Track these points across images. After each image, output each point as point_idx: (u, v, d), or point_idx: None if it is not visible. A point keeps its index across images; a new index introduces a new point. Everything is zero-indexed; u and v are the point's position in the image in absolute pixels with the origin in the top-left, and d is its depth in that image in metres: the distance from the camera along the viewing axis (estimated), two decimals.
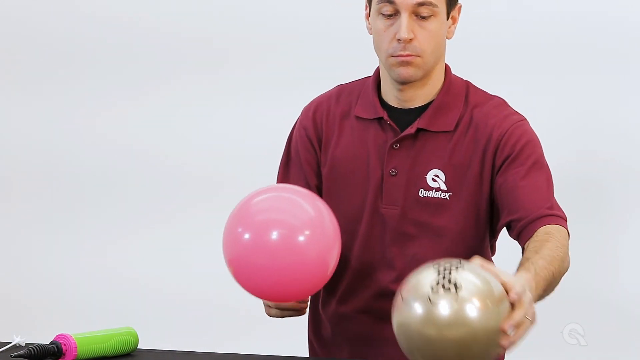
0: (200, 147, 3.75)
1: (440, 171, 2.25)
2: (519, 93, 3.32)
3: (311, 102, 2.41)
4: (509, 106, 2.30)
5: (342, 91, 2.38)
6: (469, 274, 1.76)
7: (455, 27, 2.27)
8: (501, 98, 2.32)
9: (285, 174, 2.40)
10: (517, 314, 1.76)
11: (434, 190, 2.25)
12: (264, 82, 3.69)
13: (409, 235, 2.26)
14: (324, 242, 2.01)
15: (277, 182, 2.40)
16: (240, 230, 1.99)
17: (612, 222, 3.38)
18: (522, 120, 2.27)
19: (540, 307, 3.43)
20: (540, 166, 2.22)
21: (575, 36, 3.41)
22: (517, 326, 1.77)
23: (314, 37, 3.61)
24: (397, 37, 2.18)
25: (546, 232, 2.11)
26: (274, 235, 1.96)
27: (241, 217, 2.01)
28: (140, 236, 3.86)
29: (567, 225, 2.17)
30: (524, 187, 2.18)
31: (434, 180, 2.25)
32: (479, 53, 3.28)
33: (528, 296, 1.80)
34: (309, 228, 1.99)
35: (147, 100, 3.84)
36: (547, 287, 2.00)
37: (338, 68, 2.92)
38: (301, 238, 1.97)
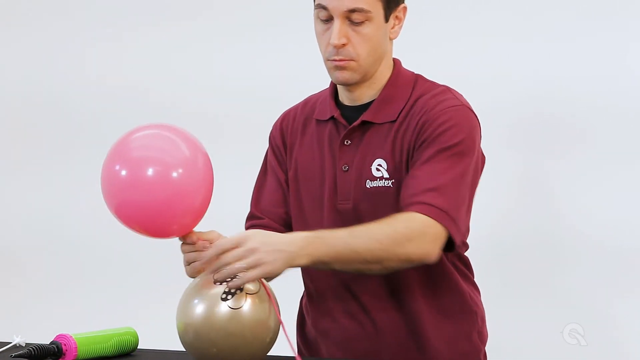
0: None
1: (382, 160, 2.27)
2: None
3: (281, 114, 2.47)
4: (452, 94, 2.29)
5: (308, 100, 2.44)
6: None
7: (400, 27, 2.29)
8: (447, 86, 2.31)
9: (262, 183, 2.45)
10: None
11: (378, 179, 2.27)
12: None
13: None
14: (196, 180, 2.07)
15: (254, 192, 2.45)
16: (117, 167, 2.04)
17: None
18: (457, 106, 2.25)
19: (540, 308, 3.43)
20: (450, 154, 2.20)
21: None
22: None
23: None
24: (330, 42, 2.22)
25: (394, 216, 2.14)
26: (150, 171, 2.02)
27: (119, 152, 2.06)
28: None
29: (438, 216, 2.14)
30: (416, 176, 2.19)
31: (377, 169, 2.28)
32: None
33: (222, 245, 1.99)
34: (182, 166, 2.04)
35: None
36: (342, 257, 2.08)
37: None
38: (174, 175, 2.03)
